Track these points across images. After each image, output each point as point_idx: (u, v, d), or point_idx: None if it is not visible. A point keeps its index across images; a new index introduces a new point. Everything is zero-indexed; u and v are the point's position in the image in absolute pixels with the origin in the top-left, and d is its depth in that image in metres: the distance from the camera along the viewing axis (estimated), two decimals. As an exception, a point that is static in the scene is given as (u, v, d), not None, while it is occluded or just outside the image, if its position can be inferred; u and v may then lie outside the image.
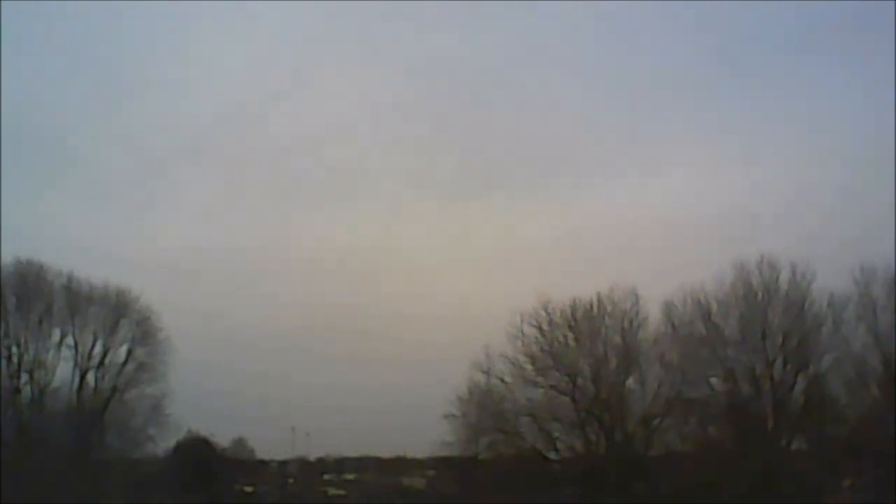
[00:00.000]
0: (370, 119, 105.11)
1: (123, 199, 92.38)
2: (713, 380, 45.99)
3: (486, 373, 47.66)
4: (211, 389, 66.10)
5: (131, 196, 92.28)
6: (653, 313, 47.26)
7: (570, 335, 47.35)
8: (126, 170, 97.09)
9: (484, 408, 47.96)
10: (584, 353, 47.26)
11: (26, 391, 49.56)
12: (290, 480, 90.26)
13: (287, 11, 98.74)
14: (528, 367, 47.39)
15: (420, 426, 58.85)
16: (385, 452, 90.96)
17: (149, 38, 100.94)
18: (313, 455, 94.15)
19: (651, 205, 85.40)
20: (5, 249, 49.62)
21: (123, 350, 51.06)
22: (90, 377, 50.33)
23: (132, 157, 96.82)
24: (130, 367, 50.96)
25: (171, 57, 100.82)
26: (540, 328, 47.39)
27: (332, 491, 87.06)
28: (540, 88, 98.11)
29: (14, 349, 49.16)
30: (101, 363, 50.51)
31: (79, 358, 50.11)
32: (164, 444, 54.13)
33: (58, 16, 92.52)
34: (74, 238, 79.13)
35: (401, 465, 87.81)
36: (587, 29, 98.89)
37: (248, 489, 79.14)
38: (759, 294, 45.32)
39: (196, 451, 63.21)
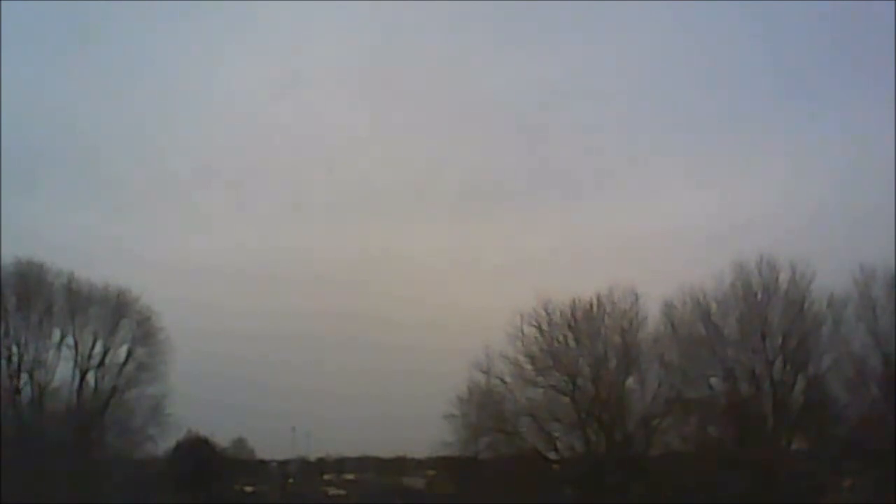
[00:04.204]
0: (376, 136, 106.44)
1: (126, 200, 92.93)
2: (713, 380, 45.97)
3: (486, 373, 47.64)
4: (211, 389, 66.34)
5: (139, 201, 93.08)
6: (652, 313, 47.22)
7: (570, 335, 47.26)
8: (139, 179, 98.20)
9: (484, 408, 47.91)
10: (584, 353, 47.19)
11: (26, 391, 49.59)
12: (290, 480, 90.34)
13: (295, 28, 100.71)
14: (528, 367, 47.36)
15: (420, 426, 58.95)
16: (385, 452, 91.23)
17: (165, 57, 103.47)
18: (313, 455, 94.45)
19: (651, 210, 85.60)
20: (5, 249, 49.75)
21: (123, 350, 51.11)
22: (90, 377, 50.34)
23: (145, 167, 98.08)
24: (130, 367, 50.98)
25: (186, 75, 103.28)
26: (540, 328, 47.35)
27: (332, 491, 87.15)
28: (541, 105, 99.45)
29: (14, 349, 49.17)
30: (101, 363, 50.52)
31: (79, 358, 50.15)
32: (164, 444, 54.27)
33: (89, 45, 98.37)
34: (77, 239, 79.54)
35: (401, 465, 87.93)
36: (589, 51, 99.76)
37: (248, 489, 79.18)
38: (759, 294, 45.28)
39: (196, 451, 63.20)
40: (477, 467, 49.30)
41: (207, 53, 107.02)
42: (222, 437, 70.25)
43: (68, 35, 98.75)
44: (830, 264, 46.87)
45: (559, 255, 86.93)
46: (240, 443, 75.96)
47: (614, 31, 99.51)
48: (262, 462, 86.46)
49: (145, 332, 51.56)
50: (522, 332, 47.12)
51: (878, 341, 43.74)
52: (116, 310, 51.22)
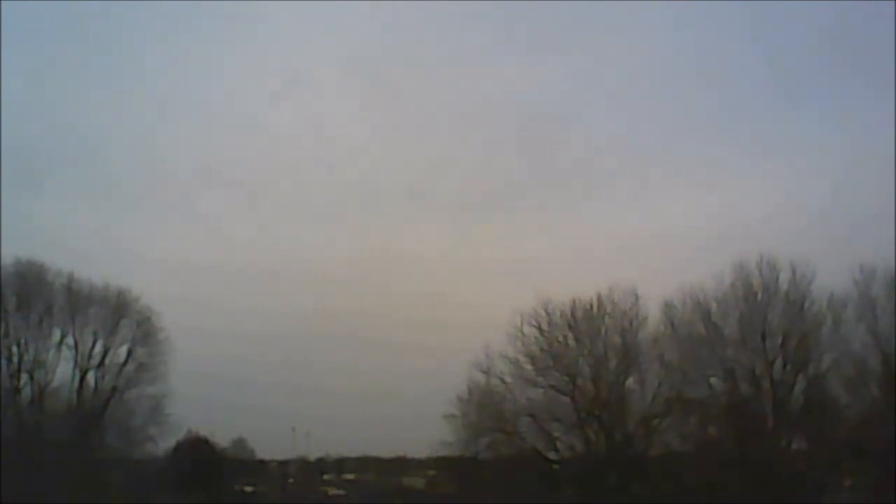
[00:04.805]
0: (376, 136, 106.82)
1: (126, 200, 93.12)
2: (713, 380, 45.92)
3: (486, 373, 47.65)
4: (211, 389, 66.31)
5: (139, 201, 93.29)
6: (653, 313, 47.21)
7: (570, 335, 47.26)
8: (139, 179, 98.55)
9: (484, 408, 47.91)
10: (584, 353, 47.18)
11: (26, 391, 49.63)
12: (290, 480, 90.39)
13: (295, 28, 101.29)
14: (528, 367, 47.36)
15: (420, 426, 59.00)
16: (385, 452, 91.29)
17: (165, 57, 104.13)
18: (313, 455, 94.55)
19: (651, 210, 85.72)
20: (5, 249, 49.75)
21: (123, 350, 51.16)
22: (90, 377, 50.39)
23: (145, 167, 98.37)
24: (130, 367, 51.02)
25: (187, 75, 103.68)
26: (540, 328, 47.34)
27: (332, 491, 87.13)
28: (541, 106, 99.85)
29: (14, 349, 49.20)
30: (101, 363, 50.56)
31: (79, 358, 50.20)
32: (164, 444, 54.26)
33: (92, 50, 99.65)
34: (77, 239, 79.68)
35: (401, 465, 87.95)
36: (589, 52, 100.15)
37: (248, 489, 79.20)
38: (759, 294, 45.23)
39: (196, 451, 63.22)
40: (477, 467, 49.28)
41: (208, 54, 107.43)
42: (222, 437, 70.38)
43: (68, 35, 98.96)
44: (830, 264, 46.89)
45: (559, 255, 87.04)
46: (240, 443, 76.01)
47: (614, 32, 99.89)
48: (262, 462, 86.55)
49: (145, 332, 51.59)
50: (522, 332, 47.20)
51: (878, 341, 43.71)
52: (116, 310, 51.25)
